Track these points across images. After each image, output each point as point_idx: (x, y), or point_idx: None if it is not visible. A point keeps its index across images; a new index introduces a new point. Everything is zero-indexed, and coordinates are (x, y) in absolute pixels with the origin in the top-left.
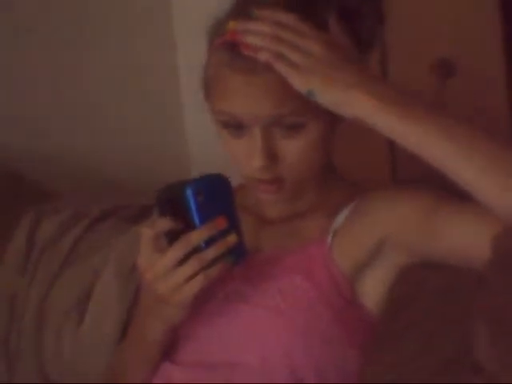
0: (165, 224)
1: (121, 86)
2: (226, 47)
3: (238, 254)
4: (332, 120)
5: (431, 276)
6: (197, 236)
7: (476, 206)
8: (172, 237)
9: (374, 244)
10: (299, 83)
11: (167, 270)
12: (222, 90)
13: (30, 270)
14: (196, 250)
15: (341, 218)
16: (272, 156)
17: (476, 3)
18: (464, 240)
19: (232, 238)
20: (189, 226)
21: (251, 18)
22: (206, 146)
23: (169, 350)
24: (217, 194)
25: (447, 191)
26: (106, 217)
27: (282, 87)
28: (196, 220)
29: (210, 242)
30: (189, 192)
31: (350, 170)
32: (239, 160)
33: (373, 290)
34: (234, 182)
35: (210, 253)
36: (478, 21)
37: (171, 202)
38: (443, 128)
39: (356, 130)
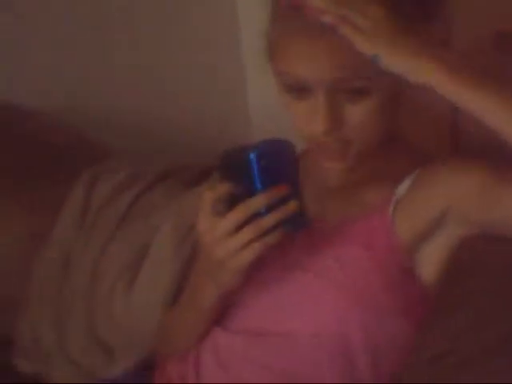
0: (226, 188)
1: (179, 48)
2: (291, 9)
3: (298, 222)
4: (397, 85)
5: (491, 249)
6: (257, 201)
7: None
8: (233, 202)
9: (436, 216)
10: (365, 47)
11: (226, 234)
12: (286, 51)
13: (86, 228)
14: (256, 216)
15: (403, 187)
16: (335, 120)
17: None
18: None
19: (292, 206)
20: (250, 192)
21: None
22: (267, 111)
23: (222, 315)
24: (280, 160)
25: (509, 162)
26: (165, 178)
27: (346, 50)
28: (258, 185)
29: (270, 209)
30: (252, 157)
31: (412, 137)
32: (302, 123)
33: (431, 261)
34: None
35: (270, 219)
36: None
37: (234, 166)
38: (507, 96)
39: (420, 97)
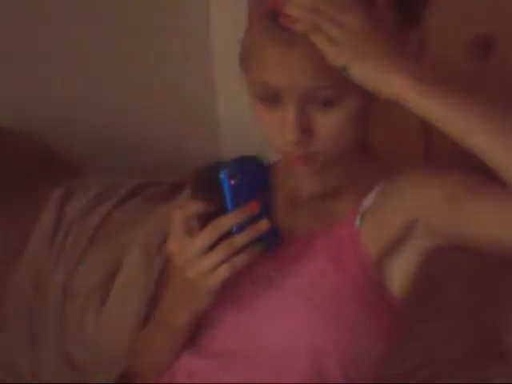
0: (197, 207)
1: (153, 63)
2: (265, 17)
3: (269, 240)
4: (368, 96)
5: (459, 260)
6: (228, 220)
7: (506, 190)
8: (204, 219)
9: (403, 228)
10: (334, 57)
11: (197, 254)
12: (260, 59)
13: (57, 247)
14: (227, 235)
15: (370, 199)
16: (305, 130)
17: None
18: (493, 225)
19: (264, 224)
20: (221, 210)
21: None
22: (238, 124)
23: (194, 336)
24: (251, 178)
25: (478, 173)
26: (135, 194)
27: (319, 59)
28: (229, 204)
29: (241, 227)
30: (223, 175)
31: (383, 148)
32: (273, 134)
33: (400, 273)
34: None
35: (241, 238)
36: None
37: (205, 184)
38: (479, 111)
39: (391, 108)
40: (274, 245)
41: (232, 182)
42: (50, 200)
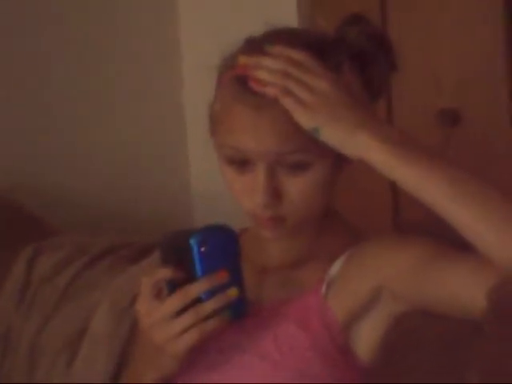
0: (166, 273)
1: (125, 122)
2: (235, 82)
3: (237, 309)
4: (337, 160)
5: (426, 325)
6: (197, 288)
7: (474, 256)
8: (173, 285)
9: (370, 293)
10: (304, 120)
11: (164, 319)
12: (229, 124)
13: (26, 304)
14: (196, 301)
15: (336, 266)
16: (275, 194)
17: (482, 52)
18: (459, 291)
19: (232, 293)
20: (190, 276)
21: (262, 54)
22: (210, 183)
23: None
24: (222, 247)
25: (448, 238)
26: (105, 255)
27: (289, 124)
28: (198, 271)
29: (210, 294)
30: (193, 242)
31: (351, 213)
32: (241, 195)
33: (368, 338)
34: (236, 222)
35: (209, 306)
36: (484, 70)
37: (175, 250)
38: (445, 173)
39: (359, 172)
40: (242, 313)
41: (202, 249)
42: (19, 258)
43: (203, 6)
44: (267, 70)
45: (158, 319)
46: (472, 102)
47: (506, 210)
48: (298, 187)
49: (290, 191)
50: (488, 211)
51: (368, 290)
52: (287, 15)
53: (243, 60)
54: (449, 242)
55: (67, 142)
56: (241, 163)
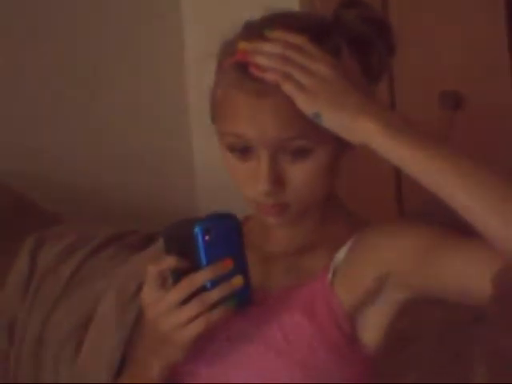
0: (170, 262)
1: (128, 112)
2: (235, 68)
3: (243, 297)
4: (339, 146)
5: (430, 311)
6: (201, 276)
7: (479, 241)
8: (178, 274)
9: (375, 280)
10: (305, 105)
11: (170, 308)
12: (230, 111)
13: (31, 295)
14: (201, 290)
15: (342, 253)
16: (277, 181)
17: (485, 34)
18: (464, 277)
19: (237, 281)
20: (195, 265)
21: (261, 39)
22: (213, 175)
23: None
24: (226, 235)
25: (451, 223)
26: (109, 243)
27: (290, 110)
28: (203, 259)
29: (215, 283)
30: (197, 230)
31: (355, 199)
32: (244, 183)
33: (373, 325)
34: (240, 212)
35: (214, 294)
36: (486, 53)
37: (179, 239)
38: (447, 157)
39: (363, 158)
40: (247, 301)
41: (206, 237)
42: (22, 248)
43: None
44: (267, 56)
45: (164, 309)
46: (474, 85)
47: (508, 193)
48: (300, 174)
49: (292, 178)
50: (491, 195)
51: (373, 276)
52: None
53: (242, 46)
54: (452, 227)
55: (72, 130)
56: (242, 150)
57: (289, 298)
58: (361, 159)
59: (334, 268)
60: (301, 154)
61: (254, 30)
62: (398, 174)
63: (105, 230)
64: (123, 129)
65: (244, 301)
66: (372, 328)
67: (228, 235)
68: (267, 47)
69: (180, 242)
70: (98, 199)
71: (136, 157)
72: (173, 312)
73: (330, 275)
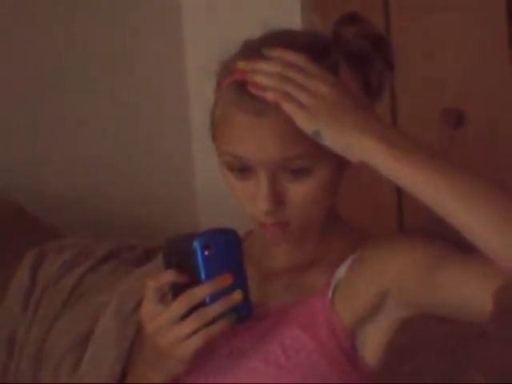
0: (169, 276)
1: (128, 127)
2: (234, 87)
3: (242, 311)
4: (339, 163)
5: (431, 329)
6: (201, 291)
7: (479, 258)
8: (177, 289)
9: (376, 297)
10: (305, 123)
11: (169, 323)
12: (229, 130)
13: (31, 308)
14: (200, 305)
15: (342, 269)
16: (278, 200)
17: (487, 51)
18: (465, 294)
19: (237, 296)
20: (194, 280)
21: (260, 58)
22: (214, 191)
23: None
24: (225, 250)
25: (452, 240)
26: (109, 258)
27: (290, 129)
28: (202, 274)
29: (215, 298)
30: (196, 245)
31: (356, 217)
32: (244, 202)
33: (374, 342)
34: (241, 226)
35: (213, 309)
36: (488, 70)
37: (178, 254)
38: (448, 176)
39: (364, 177)
40: (247, 316)
41: (206, 252)
42: (23, 263)
43: (206, 9)
44: (266, 75)
45: (163, 323)
46: (476, 103)
47: (508, 210)
48: (301, 193)
49: (292, 197)
50: (491, 212)
51: (374, 293)
52: (291, 18)
53: (241, 65)
54: (453, 244)
55: (71, 143)
56: (241, 170)
57: (289, 314)
58: (363, 176)
59: (334, 285)
60: (301, 173)
61: (253, 49)
62: (399, 192)
63: (105, 244)
64: (123, 142)
65: (244, 315)
66: (372, 345)
67: (227, 250)
68: (266, 66)
69: (179, 256)
70: (98, 213)
71: (137, 171)
72: (172, 327)
73: (330, 292)
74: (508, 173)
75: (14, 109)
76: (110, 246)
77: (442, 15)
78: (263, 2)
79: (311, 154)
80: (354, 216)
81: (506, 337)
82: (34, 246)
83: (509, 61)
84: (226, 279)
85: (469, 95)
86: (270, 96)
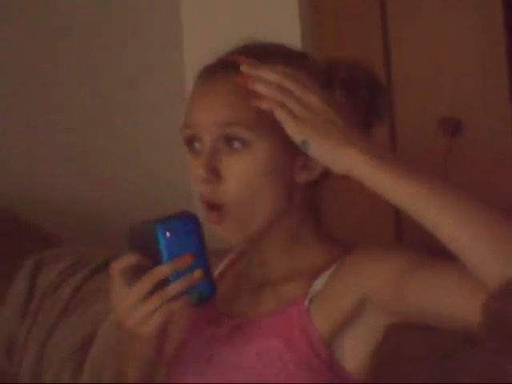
0: (132, 258)
1: (126, 131)
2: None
3: (204, 291)
4: (284, 153)
5: (415, 337)
6: (163, 269)
7: (459, 268)
8: (142, 272)
9: (353, 306)
10: (295, 131)
11: (134, 303)
12: (188, 105)
13: (31, 316)
14: (164, 285)
15: (320, 280)
16: (214, 170)
17: (484, 60)
18: (445, 303)
19: (197, 275)
20: (157, 262)
21: (261, 63)
22: None
23: None
24: (186, 232)
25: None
26: (105, 267)
27: (236, 97)
28: (164, 256)
29: (178, 278)
30: (158, 228)
31: (354, 231)
32: (195, 181)
33: (353, 351)
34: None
35: (174, 287)
36: (485, 79)
37: (142, 238)
38: (433, 187)
39: (362, 191)
40: (208, 296)
41: (167, 234)
42: (21, 270)
43: (205, 11)
44: (264, 83)
45: (128, 304)
46: (473, 111)
47: (495, 225)
48: (235, 167)
49: (228, 172)
50: (476, 225)
51: (351, 302)
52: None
53: (244, 68)
54: (434, 254)
55: (69, 152)
56: (192, 142)
57: (266, 324)
58: (362, 190)
59: (311, 295)
60: (239, 144)
61: (254, 53)
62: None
63: (102, 252)
64: (123, 154)
65: (205, 295)
66: (352, 353)
67: (188, 233)
68: (265, 74)
69: (143, 240)
70: (97, 222)
71: (135, 182)
72: (136, 306)
73: (306, 302)
74: (505, 181)
75: (15, 121)
76: (106, 254)
77: (439, 24)
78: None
79: (251, 125)
80: (351, 226)
81: (496, 346)
82: (33, 254)
83: (506, 69)
84: (187, 259)
85: (466, 104)
86: (265, 105)
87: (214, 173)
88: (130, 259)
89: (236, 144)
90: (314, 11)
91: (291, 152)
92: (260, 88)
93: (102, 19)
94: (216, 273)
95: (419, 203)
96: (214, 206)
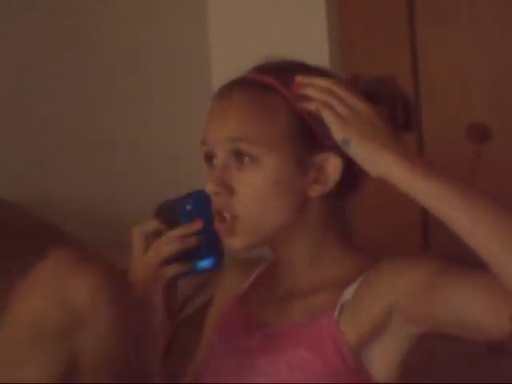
0: (152, 224)
1: (144, 136)
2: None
3: (211, 260)
4: (298, 170)
5: (442, 345)
6: (175, 232)
7: (486, 276)
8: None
9: (381, 316)
10: (338, 130)
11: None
12: (206, 121)
13: None
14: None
15: (350, 291)
16: (224, 185)
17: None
18: (473, 312)
19: (193, 240)
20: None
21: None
22: None
23: None
24: (200, 206)
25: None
26: None
27: (250, 114)
28: (182, 222)
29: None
30: (179, 202)
31: (382, 233)
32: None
33: (381, 360)
34: None
35: (168, 243)
36: None
37: (166, 211)
38: (464, 193)
39: (390, 204)
40: (216, 265)
41: (186, 207)
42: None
43: (232, 24)
44: (316, 88)
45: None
46: (502, 117)
47: None
48: (245, 182)
49: (239, 186)
50: (504, 232)
51: (379, 312)
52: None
53: (299, 79)
54: (460, 263)
55: (84, 156)
56: (208, 158)
57: (296, 334)
58: (389, 202)
59: (340, 305)
60: (249, 159)
61: (274, 70)
62: (425, 219)
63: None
64: (136, 157)
65: (213, 264)
66: (381, 362)
67: (202, 206)
68: (319, 81)
69: (167, 212)
70: (110, 223)
71: (148, 181)
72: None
73: (336, 312)
74: None
75: (30, 123)
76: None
77: (467, 29)
78: (289, 14)
79: (260, 141)
80: (379, 233)
81: None
82: (40, 252)
83: None
84: (198, 224)
85: (495, 110)
86: (312, 106)
87: (226, 187)
88: (149, 224)
89: (246, 159)
90: (343, 30)
91: (302, 166)
92: (311, 92)
93: (128, 31)
94: (247, 283)
95: (448, 207)
96: (225, 218)
